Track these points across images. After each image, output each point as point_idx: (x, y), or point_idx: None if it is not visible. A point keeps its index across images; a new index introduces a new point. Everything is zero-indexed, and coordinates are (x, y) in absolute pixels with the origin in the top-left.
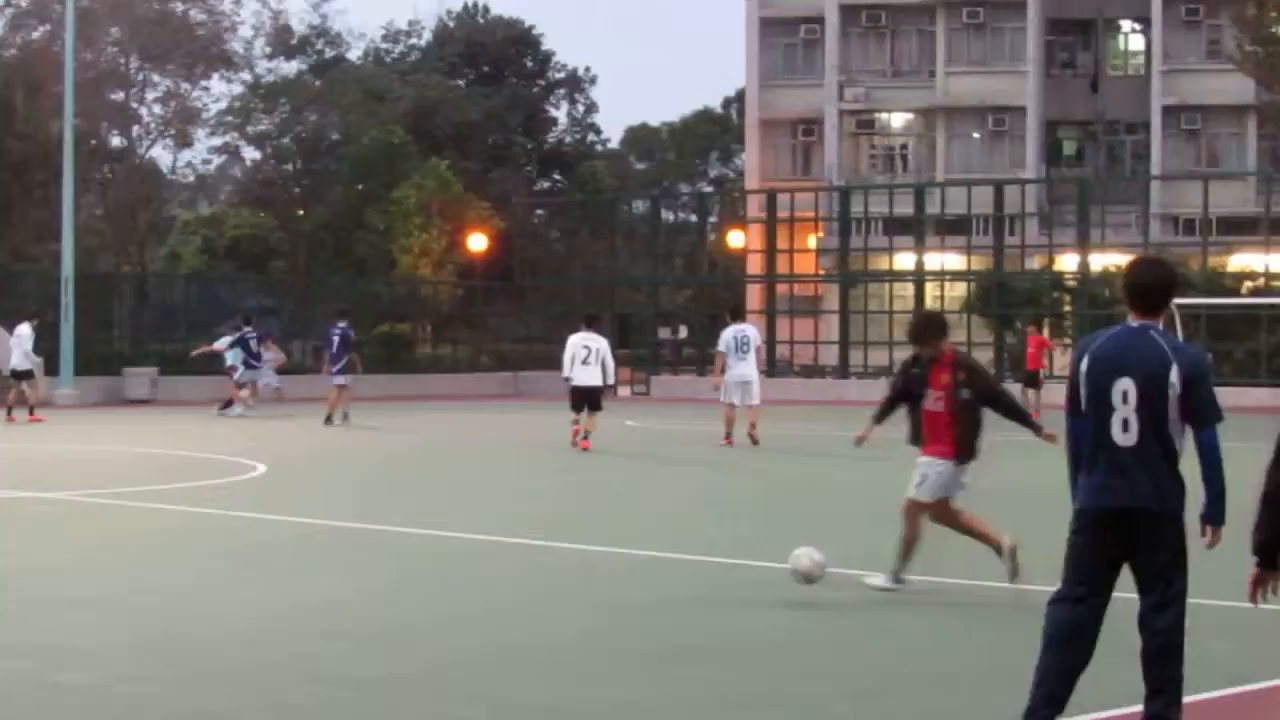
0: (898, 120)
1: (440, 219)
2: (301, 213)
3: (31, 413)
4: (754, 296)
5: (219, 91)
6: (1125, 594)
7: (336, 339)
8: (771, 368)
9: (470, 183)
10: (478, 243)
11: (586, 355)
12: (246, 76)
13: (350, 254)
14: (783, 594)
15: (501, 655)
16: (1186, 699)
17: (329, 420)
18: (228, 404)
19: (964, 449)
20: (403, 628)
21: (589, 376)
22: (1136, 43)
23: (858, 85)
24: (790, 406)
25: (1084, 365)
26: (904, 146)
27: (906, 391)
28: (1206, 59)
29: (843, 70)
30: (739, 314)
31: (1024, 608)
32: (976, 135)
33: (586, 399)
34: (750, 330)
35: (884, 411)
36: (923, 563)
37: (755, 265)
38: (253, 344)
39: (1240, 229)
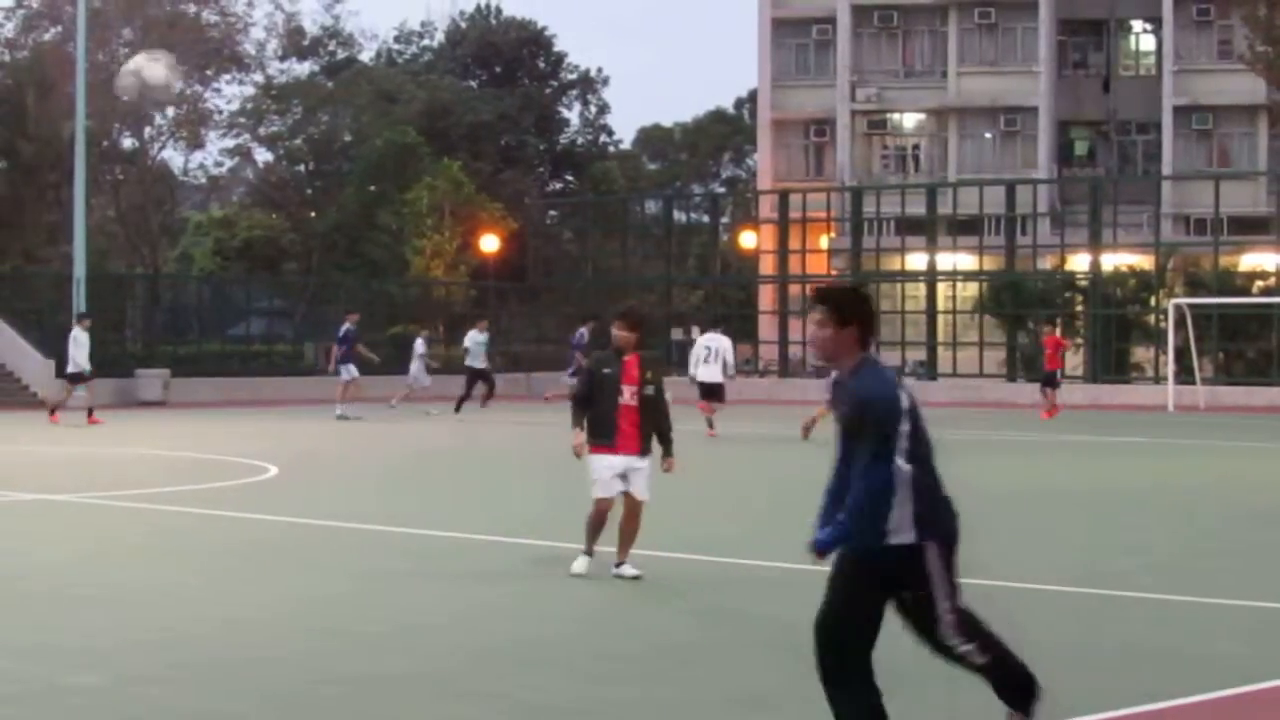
0: (910, 120)
1: (453, 220)
2: (314, 214)
3: (52, 413)
4: (766, 297)
5: (231, 93)
6: (1102, 590)
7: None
8: (785, 368)
9: (483, 184)
10: (490, 244)
11: (707, 355)
12: (259, 78)
13: (362, 255)
14: (787, 593)
15: (507, 653)
16: (1197, 698)
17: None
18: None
19: (649, 443)
20: (409, 627)
21: (710, 374)
22: (1148, 43)
23: (869, 85)
24: (803, 406)
25: (909, 404)
26: (916, 146)
27: (598, 390)
28: (1218, 59)
29: (855, 70)
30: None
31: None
32: (988, 135)
33: (711, 393)
34: None
35: (582, 416)
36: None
37: (768, 266)
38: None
39: (1251, 228)
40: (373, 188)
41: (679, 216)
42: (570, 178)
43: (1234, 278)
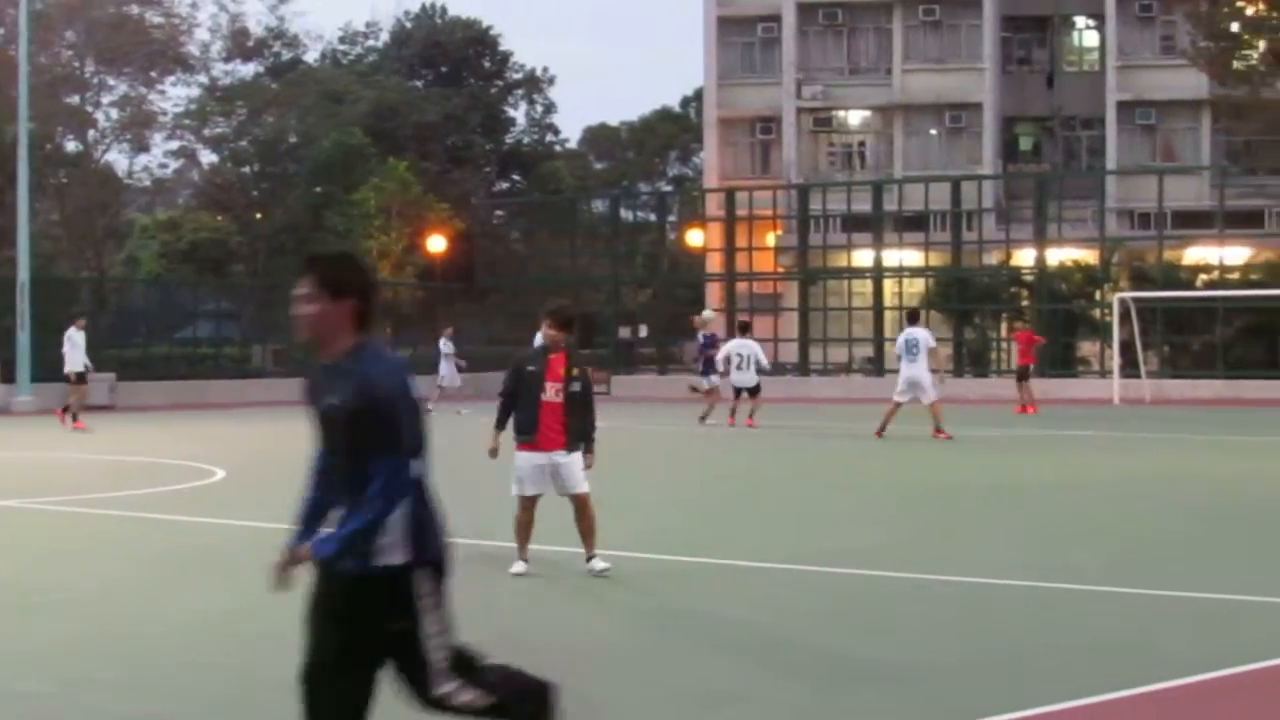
0: (855, 118)
1: (400, 221)
2: (260, 216)
3: (75, 419)
4: (714, 294)
5: (176, 95)
6: (1059, 585)
7: None
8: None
9: (430, 184)
10: (437, 244)
11: (740, 361)
12: (203, 79)
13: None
14: (770, 590)
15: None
16: (1140, 689)
17: None
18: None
19: (575, 437)
20: None
21: (745, 379)
22: (1091, 39)
23: (816, 83)
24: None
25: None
26: (862, 144)
27: (522, 388)
28: (1161, 54)
29: (801, 68)
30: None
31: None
32: (934, 132)
33: (750, 394)
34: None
35: (505, 417)
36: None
37: (715, 264)
38: None
39: (1195, 223)
40: (319, 189)
41: (626, 215)
42: (517, 177)
43: (1178, 271)
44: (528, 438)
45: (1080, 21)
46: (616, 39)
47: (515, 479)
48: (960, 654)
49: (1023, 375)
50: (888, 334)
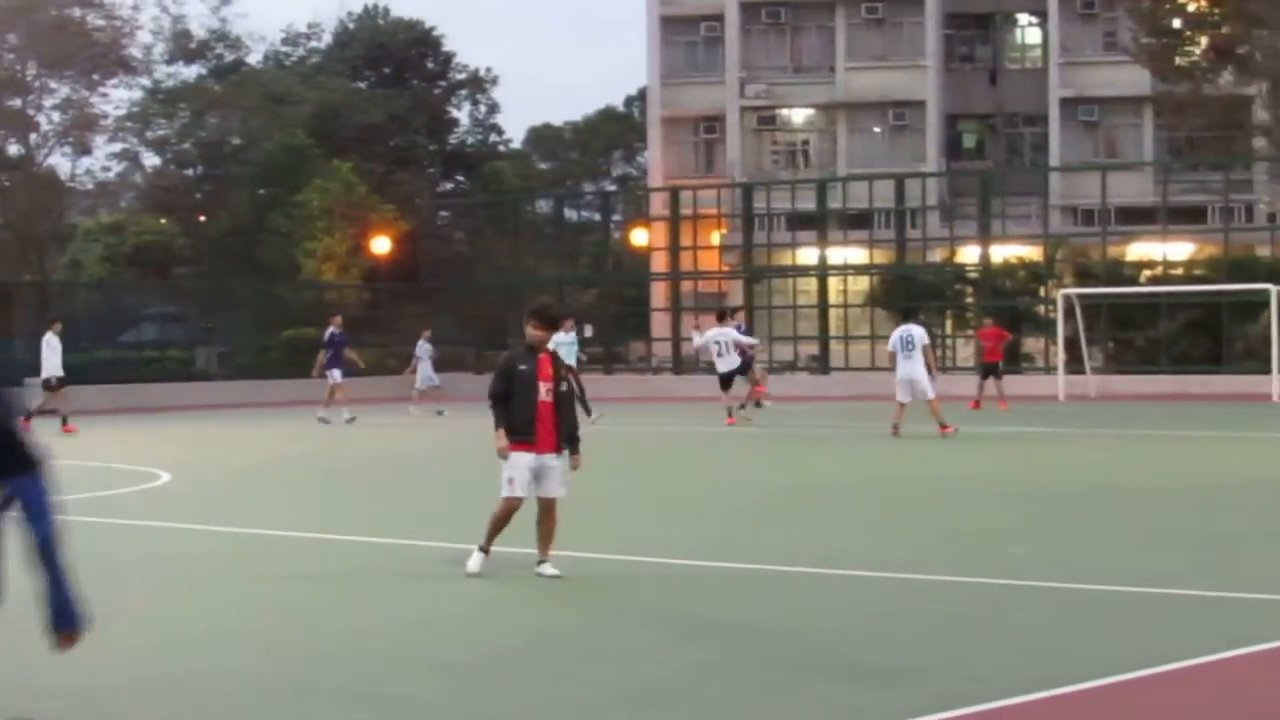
0: (799, 116)
1: (344, 222)
2: (204, 218)
3: (65, 423)
4: (659, 294)
5: (118, 98)
6: (996, 580)
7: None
8: (678, 364)
9: (374, 185)
10: (382, 245)
11: (720, 349)
12: (146, 82)
13: (254, 259)
14: (685, 589)
15: (381, 653)
16: (1059, 690)
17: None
18: None
19: (564, 439)
20: (267, 627)
21: (726, 365)
22: (1034, 36)
23: (759, 82)
24: (697, 403)
25: None
26: (806, 142)
27: (517, 388)
28: (1103, 51)
29: (744, 67)
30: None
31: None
32: (877, 130)
33: (728, 383)
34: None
35: (503, 415)
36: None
37: (660, 263)
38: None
39: (1139, 219)
40: (263, 191)
41: (571, 215)
42: (461, 178)
43: (1122, 268)
44: (525, 438)
45: (1023, 18)
46: (560, 39)
47: (506, 479)
48: (887, 652)
49: (990, 372)
50: (833, 332)
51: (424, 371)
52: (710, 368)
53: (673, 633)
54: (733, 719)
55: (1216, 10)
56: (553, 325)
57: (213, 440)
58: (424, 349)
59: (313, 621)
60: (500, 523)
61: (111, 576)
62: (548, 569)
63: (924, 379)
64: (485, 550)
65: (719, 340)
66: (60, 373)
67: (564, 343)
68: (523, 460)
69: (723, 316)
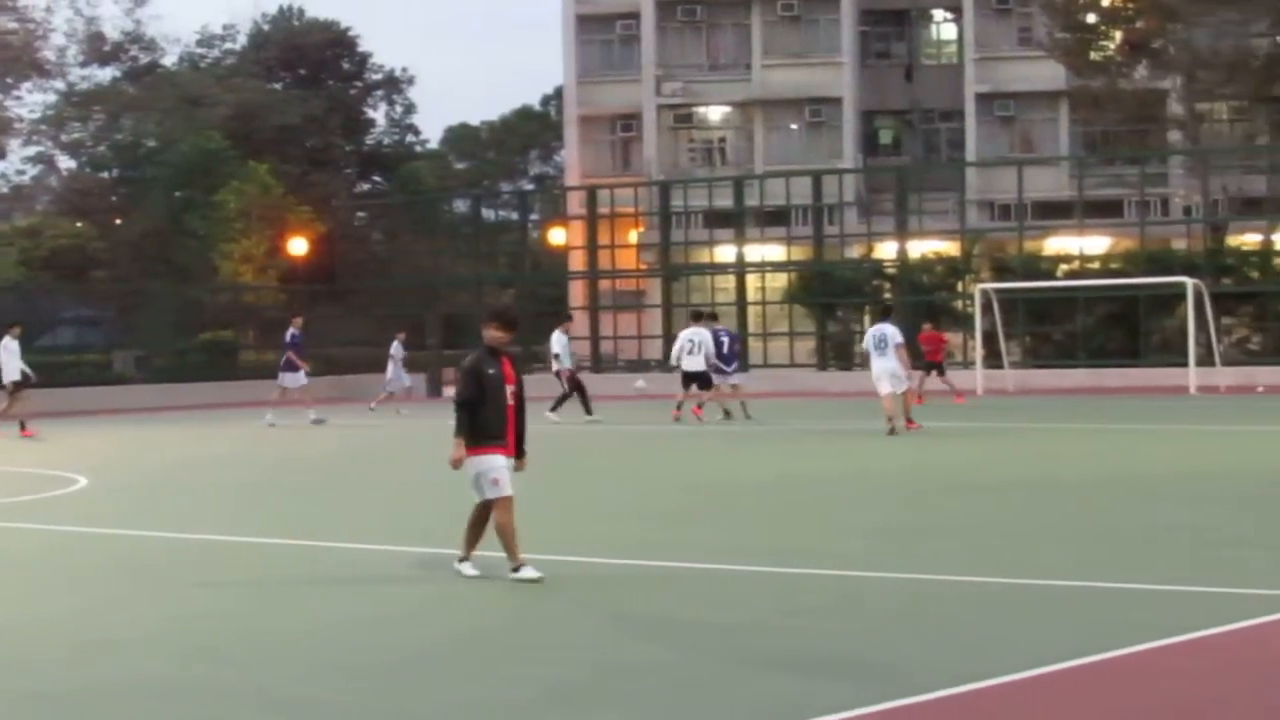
0: (716, 113)
1: (261, 224)
2: (121, 221)
3: (23, 427)
4: (577, 293)
5: (32, 101)
6: (920, 575)
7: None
8: (596, 363)
9: (291, 186)
10: (299, 247)
11: (692, 347)
12: (60, 85)
13: (171, 261)
14: (606, 587)
15: (301, 658)
16: (992, 681)
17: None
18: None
19: (522, 442)
20: (169, 632)
21: (694, 364)
22: (949, 31)
23: (675, 80)
24: (617, 401)
25: None
26: (723, 139)
27: (489, 391)
28: (1018, 46)
29: (660, 65)
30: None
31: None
32: (794, 127)
33: (695, 379)
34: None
35: (469, 421)
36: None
37: (578, 262)
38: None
39: (1055, 213)
40: (180, 193)
41: (488, 215)
42: (378, 179)
43: (1039, 262)
44: (501, 442)
45: (938, 14)
46: (476, 38)
47: (491, 481)
48: (817, 647)
49: (932, 368)
50: (752, 329)
51: (395, 373)
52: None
53: (600, 631)
54: (661, 717)
55: (1131, 5)
56: (513, 327)
57: (130, 444)
58: (398, 350)
59: (231, 626)
60: (512, 530)
61: (24, 583)
62: (468, 568)
63: (901, 371)
64: (520, 564)
65: (692, 339)
66: (18, 377)
67: (563, 343)
68: (499, 461)
69: (699, 318)
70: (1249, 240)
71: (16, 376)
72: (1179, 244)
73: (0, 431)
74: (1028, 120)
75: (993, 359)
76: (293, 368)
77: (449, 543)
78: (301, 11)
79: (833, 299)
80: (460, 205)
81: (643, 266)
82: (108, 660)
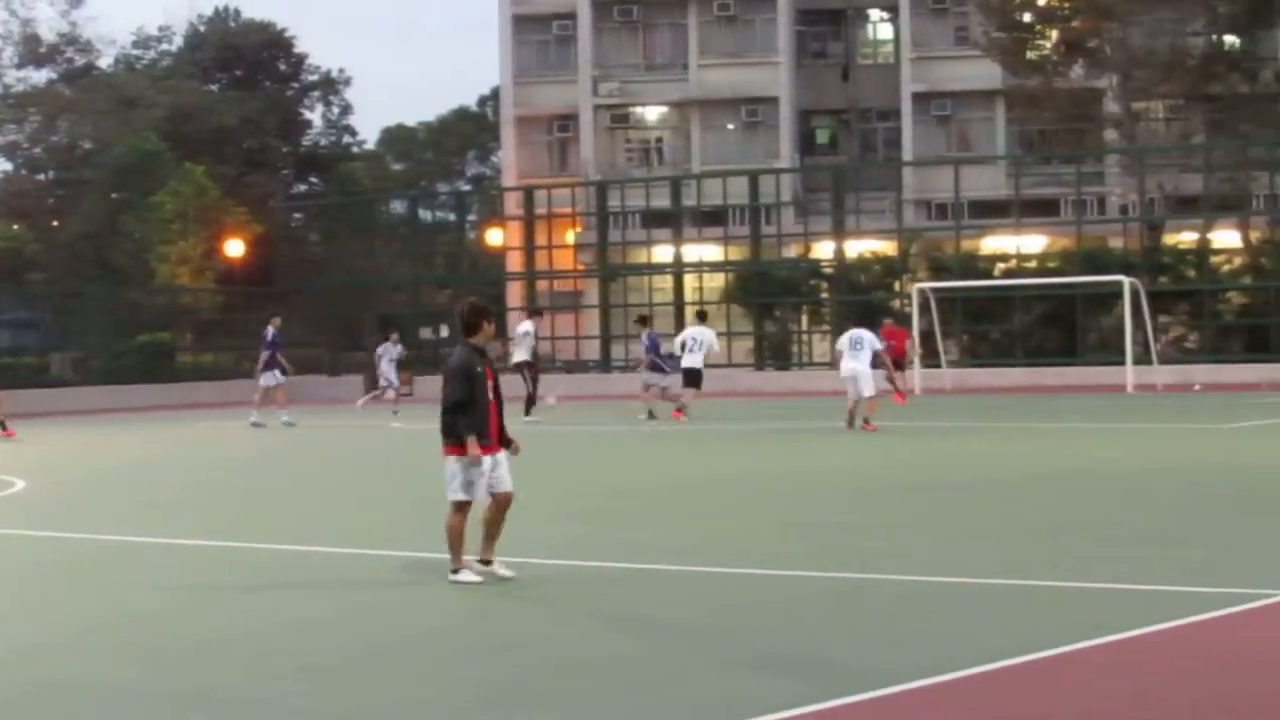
0: (653, 113)
1: (198, 225)
2: (57, 223)
3: (4, 427)
4: (514, 293)
5: None
6: (863, 575)
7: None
8: (534, 363)
9: (227, 188)
10: (236, 248)
11: (692, 345)
12: None
13: (108, 263)
14: (529, 589)
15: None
16: (946, 676)
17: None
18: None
19: (504, 431)
20: (90, 632)
21: (694, 361)
22: (885, 31)
23: (612, 80)
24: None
25: None
26: (659, 139)
27: (478, 390)
28: (954, 46)
29: (597, 65)
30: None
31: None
32: (731, 126)
33: (691, 379)
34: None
35: (470, 419)
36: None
37: (515, 262)
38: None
39: (992, 212)
40: (116, 195)
41: (425, 216)
42: (315, 180)
43: (976, 261)
44: (488, 440)
45: (874, 14)
46: (412, 39)
47: (465, 483)
48: (751, 647)
49: (896, 366)
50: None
51: (386, 373)
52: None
53: (542, 632)
54: (607, 716)
55: (1066, 4)
56: (494, 323)
57: (68, 446)
58: (392, 350)
59: (171, 627)
60: (461, 531)
61: None
62: (503, 569)
63: (869, 375)
64: (462, 566)
65: (695, 337)
66: None
67: (528, 333)
68: (487, 464)
69: (704, 318)
70: (1185, 239)
71: None
72: (1116, 243)
73: None
74: (964, 119)
75: (930, 358)
76: (272, 367)
77: (392, 544)
78: (237, 12)
79: (770, 299)
80: (397, 206)
81: (580, 267)
82: (45, 663)
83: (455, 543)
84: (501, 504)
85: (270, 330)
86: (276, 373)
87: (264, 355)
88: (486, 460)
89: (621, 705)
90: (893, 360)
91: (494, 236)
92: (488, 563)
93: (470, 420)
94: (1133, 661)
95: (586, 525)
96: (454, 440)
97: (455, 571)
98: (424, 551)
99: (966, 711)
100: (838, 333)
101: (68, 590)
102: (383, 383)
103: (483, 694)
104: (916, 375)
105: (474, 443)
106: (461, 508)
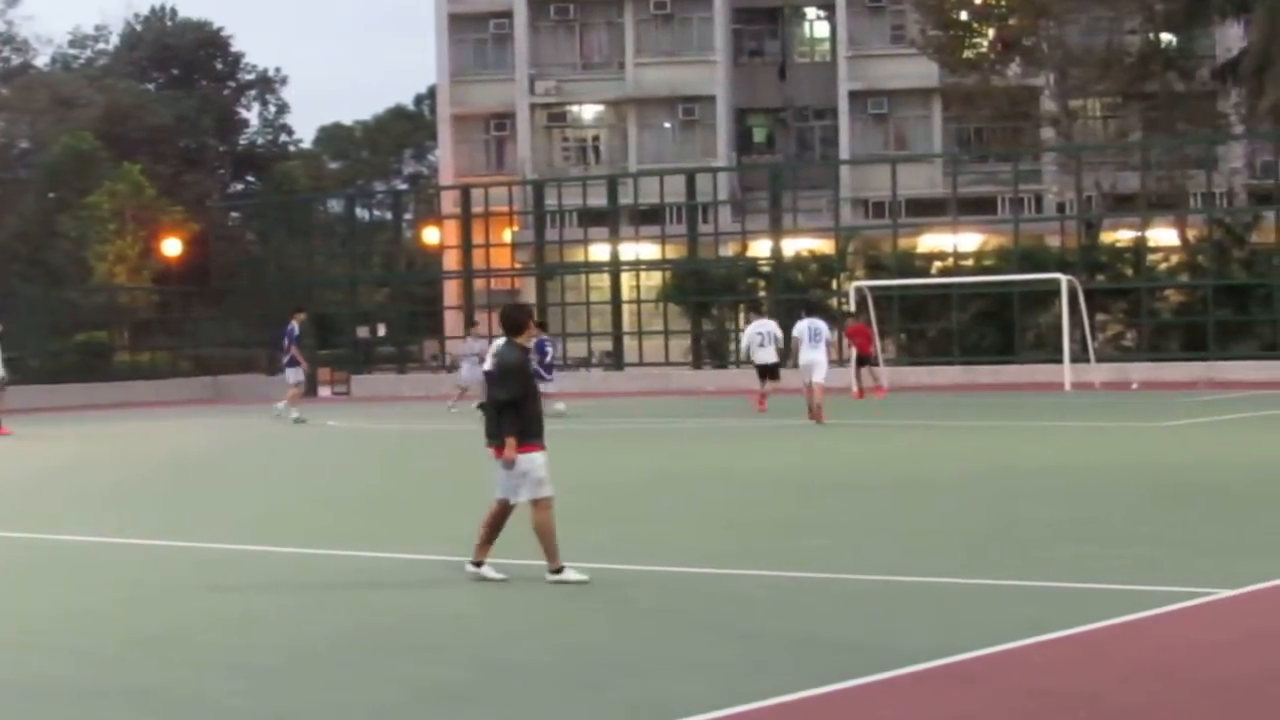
0: (589, 112)
1: (135, 225)
2: None
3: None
4: (451, 292)
5: None
6: (803, 574)
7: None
8: None
9: (164, 187)
10: (173, 247)
11: (762, 340)
12: None
13: (44, 263)
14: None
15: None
16: (891, 673)
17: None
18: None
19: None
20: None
21: (767, 356)
22: (822, 29)
23: (548, 79)
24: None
25: None
26: (596, 138)
27: (530, 391)
28: (891, 44)
29: (533, 64)
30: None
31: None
32: (668, 125)
33: (769, 373)
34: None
35: (519, 419)
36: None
37: (452, 261)
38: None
39: (929, 210)
40: (53, 194)
41: (362, 215)
42: (252, 179)
43: (913, 259)
44: (541, 439)
45: (811, 12)
46: (348, 38)
47: (537, 479)
48: (688, 647)
49: (864, 363)
50: (626, 327)
51: (465, 370)
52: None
53: (478, 632)
54: (531, 717)
55: (1003, 2)
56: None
57: (4, 446)
58: (477, 345)
59: (109, 626)
60: (552, 530)
61: None
62: (492, 572)
63: (824, 365)
64: (560, 568)
65: (760, 332)
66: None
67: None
68: (543, 458)
69: (758, 309)
70: (1122, 237)
71: None
72: (1053, 241)
73: None
74: (901, 118)
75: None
76: (295, 362)
77: (328, 542)
78: (174, 11)
79: (707, 297)
80: (334, 205)
81: (517, 265)
82: None
83: (550, 542)
84: (509, 511)
85: (294, 325)
86: (300, 369)
87: (289, 351)
88: (539, 457)
89: (556, 705)
90: (861, 357)
91: (431, 235)
92: (480, 564)
93: (515, 420)
94: (1070, 660)
95: (521, 526)
96: (532, 439)
97: (558, 571)
98: (367, 550)
99: (899, 710)
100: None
101: (6, 590)
102: (461, 382)
103: (415, 693)
104: (853, 374)
105: (513, 444)
106: (546, 504)
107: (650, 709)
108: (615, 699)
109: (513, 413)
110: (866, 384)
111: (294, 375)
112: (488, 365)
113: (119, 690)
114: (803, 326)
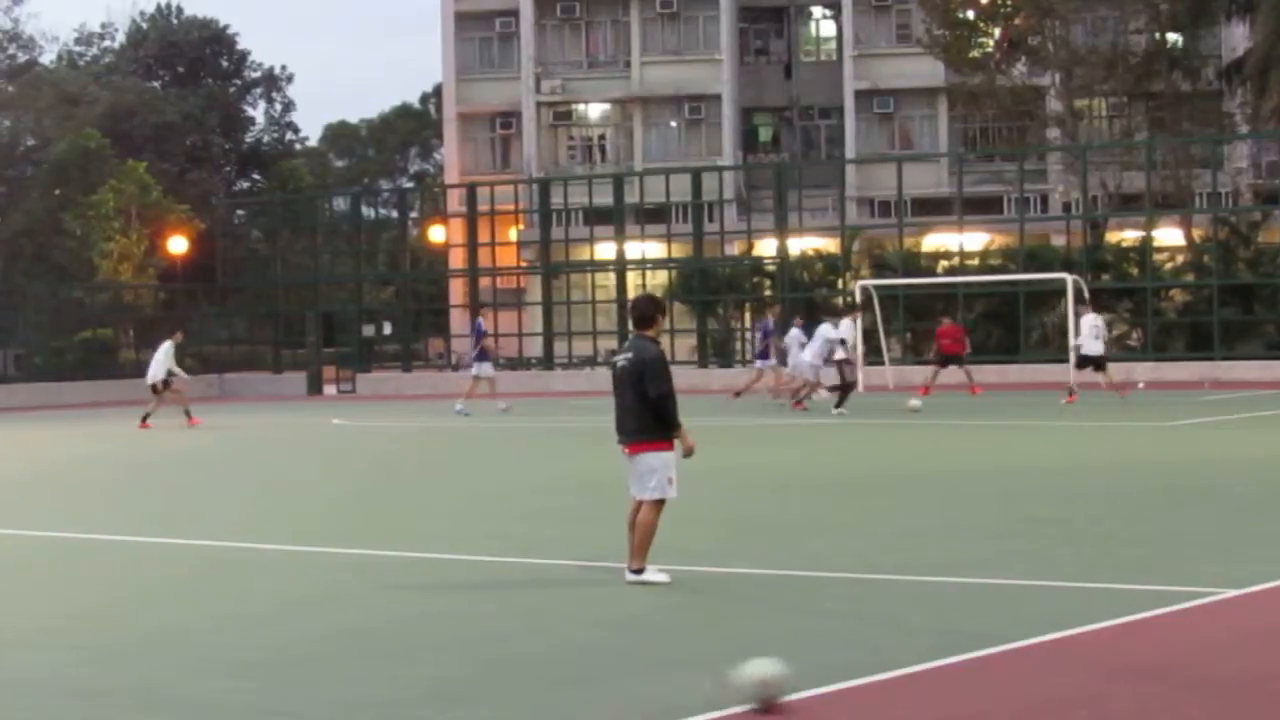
0: (595, 111)
1: (140, 222)
2: None
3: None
4: (457, 290)
5: None
6: (806, 572)
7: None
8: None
9: (169, 185)
10: (178, 245)
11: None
12: None
13: (49, 260)
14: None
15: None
16: (891, 674)
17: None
18: None
19: None
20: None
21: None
22: (828, 28)
23: (554, 77)
24: (509, 397)
25: None
26: (602, 137)
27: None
28: (897, 43)
29: (539, 62)
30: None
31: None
32: (673, 124)
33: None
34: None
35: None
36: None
37: (458, 259)
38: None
39: (934, 209)
40: (57, 192)
41: (368, 213)
42: (257, 176)
43: (918, 258)
44: (672, 439)
45: (817, 11)
46: (355, 36)
47: (667, 479)
48: (688, 645)
49: (950, 362)
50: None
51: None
52: None
53: (474, 630)
54: (532, 715)
55: (1009, 2)
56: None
57: (7, 443)
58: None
59: (109, 624)
60: (653, 533)
61: None
62: (660, 575)
63: (807, 361)
64: (642, 569)
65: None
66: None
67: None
68: (675, 458)
69: (839, 312)
70: (1128, 236)
71: (155, 377)
72: (1058, 240)
73: None
74: (906, 117)
75: (873, 355)
76: (485, 357)
77: (330, 541)
78: (180, 9)
79: (712, 296)
80: (340, 203)
81: (523, 264)
82: None
83: (648, 542)
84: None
85: (481, 322)
86: (488, 365)
87: (476, 346)
88: (672, 456)
89: (550, 703)
90: (951, 356)
91: (436, 233)
92: (641, 570)
93: (675, 410)
94: (1070, 660)
95: (527, 524)
96: (666, 435)
97: (640, 571)
98: (364, 549)
99: (899, 711)
100: (783, 330)
101: (12, 588)
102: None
103: (420, 690)
104: (859, 373)
105: (684, 433)
106: (660, 506)
107: (650, 708)
108: (615, 698)
109: (672, 404)
110: (940, 383)
111: (484, 369)
112: (620, 362)
113: (122, 688)
114: (795, 333)
